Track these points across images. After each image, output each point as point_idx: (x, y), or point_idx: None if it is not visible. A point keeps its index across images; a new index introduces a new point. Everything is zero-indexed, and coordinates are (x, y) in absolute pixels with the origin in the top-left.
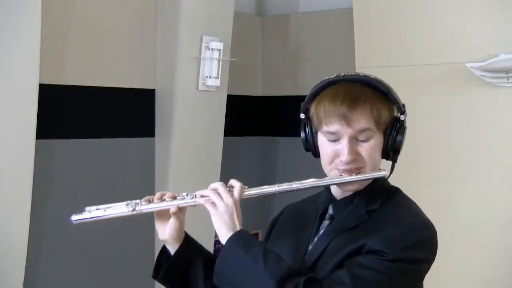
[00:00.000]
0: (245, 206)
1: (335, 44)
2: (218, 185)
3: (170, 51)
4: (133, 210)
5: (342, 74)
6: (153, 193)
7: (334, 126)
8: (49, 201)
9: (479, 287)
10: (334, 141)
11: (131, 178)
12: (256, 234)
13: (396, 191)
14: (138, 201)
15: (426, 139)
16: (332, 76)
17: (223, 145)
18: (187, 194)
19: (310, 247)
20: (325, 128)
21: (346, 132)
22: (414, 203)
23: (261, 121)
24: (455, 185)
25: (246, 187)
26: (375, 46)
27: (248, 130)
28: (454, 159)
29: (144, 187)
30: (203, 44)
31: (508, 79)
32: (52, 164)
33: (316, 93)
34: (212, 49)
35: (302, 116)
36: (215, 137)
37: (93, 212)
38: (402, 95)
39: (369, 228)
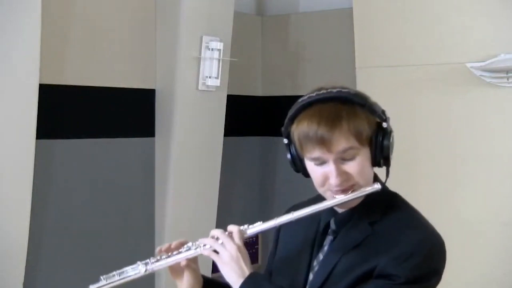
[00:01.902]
0: (245, 207)
1: (335, 44)
2: (219, 233)
3: (170, 51)
4: (146, 270)
5: (315, 94)
6: (153, 194)
7: (316, 152)
8: (49, 201)
9: (479, 287)
10: (320, 164)
11: (131, 178)
12: (256, 236)
13: (394, 197)
14: (147, 260)
15: (426, 139)
16: (305, 97)
17: (223, 145)
18: (192, 244)
19: (314, 263)
20: (308, 155)
21: (329, 157)
22: (415, 210)
23: (261, 121)
24: (455, 185)
25: (246, 226)
26: (375, 46)
27: (248, 130)
28: (454, 159)
29: (144, 187)
30: (203, 44)
31: (508, 79)
32: (52, 164)
33: (293, 117)
34: (212, 49)
35: (285, 141)
36: (215, 137)
37: (108, 280)
38: (402, 95)
39: (375, 246)
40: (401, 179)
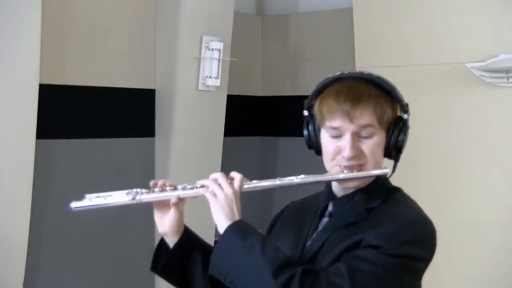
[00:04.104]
0: (246, 204)
1: (335, 44)
2: (219, 175)
3: (170, 51)
4: (133, 199)
5: (347, 72)
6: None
7: (337, 122)
8: (49, 201)
9: (479, 287)
10: (336, 137)
11: (131, 178)
12: None
13: (397, 190)
14: (138, 190)
15: (426, 139)
16: (337, 74)
17: (223, 145)
18: (188, 184)
19: (308, 243)
20: (327, 124)
21: (348, 128)
22: (414, 201)
23: (261, 121)
24: (455, 185)
25: (247, 180)
26: (375, 46)
27: (248, 130)
28: (454, 159)
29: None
30: (203, 44)
31: (508, 79)
32: (52, 164)
33: (320, 90)
34: (212, 49)
35: (306, 113)
36: (215, 137)
37: (93, 200)
38: (402, 95)
39: (368, 224)
40: (401, 179)
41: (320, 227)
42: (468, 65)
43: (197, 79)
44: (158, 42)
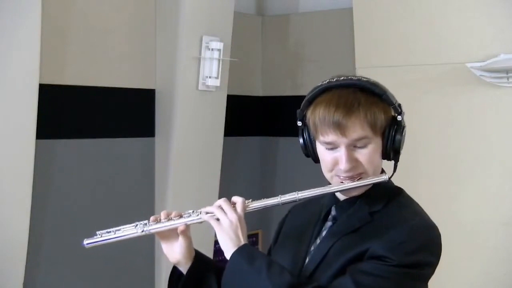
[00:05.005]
0: None
1: (335, 44)
2: (222, 201)
3: (170, 51)
4: (142, 231)
5: (335, 79)
6: (153, 194)
7: (330, 136)
8: (49, 201)
9: (479, 287)
10: (332, 149)
11: (131, 178)
12: (256, 234)
13: (399, 192)
14: (146, 221)
15: (426, 139)
16: (325, 82)
17: (223, 145)
18: (193, 212)
19: (311, 249)
20: (321, 138)
21: (342, 142)
22: (417, 204)
23: (261, 121)
24: (455, 185)
25: (250, 200)
26: (375, 46)
27: (248, 130)
28: (454, 159)
29: (144, 187)
30: (203, 44)
31: (508, 79)
32: (52, 164)
33: (311, 99)
34: (212, 49)
35: (299, 123)
36: (215, 137)
37: (104, 236)
38: (402, 95)
39: (372, 231)
40: (401, 179)
41: (324, 232)
42: (468, 65)
43: (197, 79)
44: (158, 42)
